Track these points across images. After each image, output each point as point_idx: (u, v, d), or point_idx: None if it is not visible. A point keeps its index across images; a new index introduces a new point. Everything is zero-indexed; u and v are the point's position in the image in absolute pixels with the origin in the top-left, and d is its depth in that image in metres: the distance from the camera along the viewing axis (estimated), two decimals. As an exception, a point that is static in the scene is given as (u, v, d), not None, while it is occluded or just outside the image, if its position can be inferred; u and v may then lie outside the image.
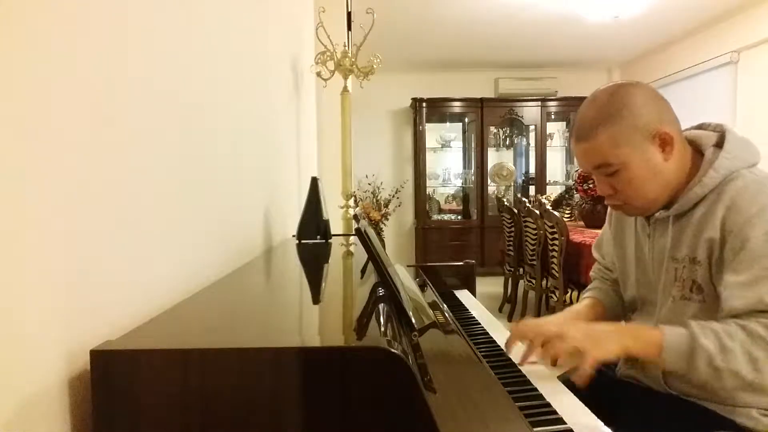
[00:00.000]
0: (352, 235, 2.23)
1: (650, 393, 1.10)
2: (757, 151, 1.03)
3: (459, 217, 6.48)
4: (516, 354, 1.07)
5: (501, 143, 6.58)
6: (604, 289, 1.29)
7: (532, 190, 6.35)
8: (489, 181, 6.30)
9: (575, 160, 1.16)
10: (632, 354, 0.97)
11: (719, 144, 1.03)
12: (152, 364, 0.60)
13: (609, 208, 1.24)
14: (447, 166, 6.57)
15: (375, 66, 2.57)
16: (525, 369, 1.02)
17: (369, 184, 6.31)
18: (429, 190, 6.41)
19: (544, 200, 4.64)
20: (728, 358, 0.90)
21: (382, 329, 0.73)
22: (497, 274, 5.02)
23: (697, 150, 1.06)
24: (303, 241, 1.75)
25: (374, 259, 0.90)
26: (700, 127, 1.12)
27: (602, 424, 0.84)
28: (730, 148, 1.00)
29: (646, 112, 0.99)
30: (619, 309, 1.26)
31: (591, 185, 3.38)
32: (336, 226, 2.22)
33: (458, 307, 1.58)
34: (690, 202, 1.02)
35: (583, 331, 0.96)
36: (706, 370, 0.91)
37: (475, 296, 1.78)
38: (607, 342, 0.94)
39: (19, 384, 0.55)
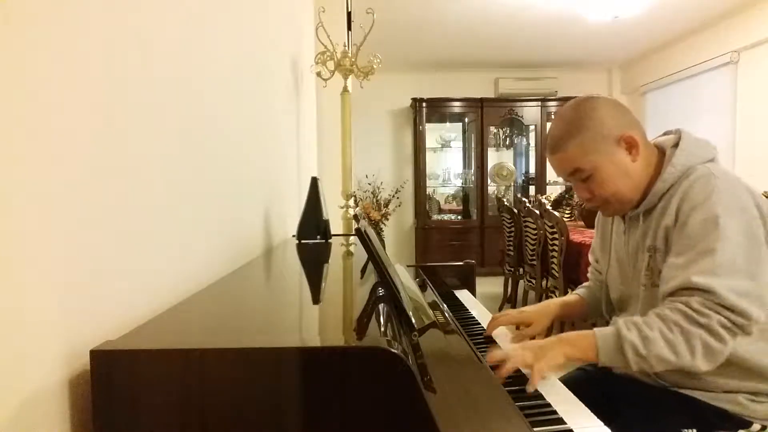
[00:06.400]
0: (352, 235, 2.23)
1: (642, 386, 1.15)
2: (714, 149, 1.13)
3: (459, 217, 6.48)
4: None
5: (501, 143, 6.57)
6: (593, 289, 1.40)
7: (532, 190, 6.36)
8: (489, 181, 6.29)
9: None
10: (574, 358, 1.04)
11: (677, 144, 1.13)
12: (152, 364, 0.60)
13: (597, 215, 1.37)
14: (447, 166, 6.56)
15: (375, 66, 2.57)
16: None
17: (369, 184, 6.30)
18: (429, 190, 6.40)
19: (544, 200, 4.63)
20: (649, 346, 0.96)
21: (382, 329, 0.73)
22: (497, 274, 5.02)
23: (662, 153, 1.16)
24: (303, 241, 1.75)
25: (374, 259, 0.90)
26: (665, 134, 1.22)
27: (602, 423, 0.84)
28: (684, 146, 1.11)
29: (608, 120, 1.09)
30: (600, 309, 1.36)
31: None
32: (336, 226, 2.22)
33: (458, 307, 1.58)
34: (655, 198, 1.11)
35: (527, 348, 1.02)
36: (635, 359, 0.97)
37: (475, 296, 1.77)
38: (549, 352, 1.00)
39: (19, 384, 0.55)
